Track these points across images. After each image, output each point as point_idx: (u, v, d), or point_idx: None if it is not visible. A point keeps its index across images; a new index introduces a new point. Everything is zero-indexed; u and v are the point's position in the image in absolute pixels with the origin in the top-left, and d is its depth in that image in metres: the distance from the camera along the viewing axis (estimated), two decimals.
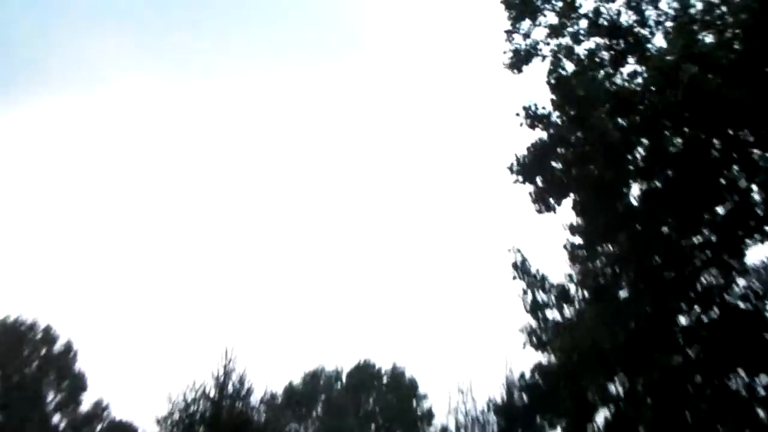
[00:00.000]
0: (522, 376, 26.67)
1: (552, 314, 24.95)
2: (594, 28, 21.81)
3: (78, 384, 55.58)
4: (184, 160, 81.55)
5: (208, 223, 74.13)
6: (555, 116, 23.21)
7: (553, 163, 23.34)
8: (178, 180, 77.13)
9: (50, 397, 55.74)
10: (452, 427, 34.75)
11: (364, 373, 53.39)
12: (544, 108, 23.21)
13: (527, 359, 28.32)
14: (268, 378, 56.42)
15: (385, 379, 53.38)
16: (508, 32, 22.85)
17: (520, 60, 22.75)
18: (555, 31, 22.41)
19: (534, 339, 24.82)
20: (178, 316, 63.83)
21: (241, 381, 52.21)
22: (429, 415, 50.87)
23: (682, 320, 22.22)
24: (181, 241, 72.69)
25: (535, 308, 25.03)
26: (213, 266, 70.07)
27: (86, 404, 55.89)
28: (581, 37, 22.24)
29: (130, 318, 64.52)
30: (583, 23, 22.16)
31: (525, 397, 26.80)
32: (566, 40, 22.52)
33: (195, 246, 73.53)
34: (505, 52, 22.96)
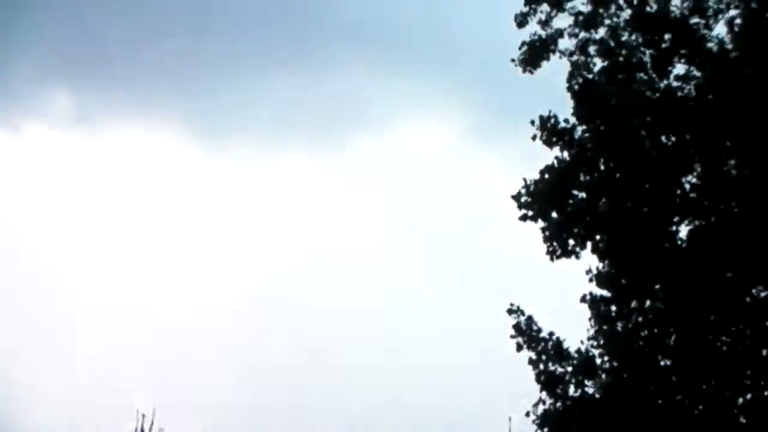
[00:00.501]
0: None
1: (572, 389, 21.82)
2: (637, 19, 19.30)
3: None
4: None
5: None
6: (579, 131, 20.79)
7: (576, 192, 20.85)
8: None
9: None
10: None
11: None
12: (566, 121, 20.68)
13: None
14: None
15: None
16: (522, 16, 20.38)
17: (535, 54, 20.24)
18: (586, 22, 19.89)
19: (549, 421, 21.64)
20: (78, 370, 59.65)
21: None
22: None
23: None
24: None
25: (549, 382, 21.88)
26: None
27: None
28: (619, 31, 19.72)
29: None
30: (625, 12, 19.75)
31: None
32: (598, 33, 20.10)
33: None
34: (519, 48, 20.38)
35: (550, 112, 20.65)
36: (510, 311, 22.21)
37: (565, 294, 22.62)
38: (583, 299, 20.85)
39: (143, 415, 33.99)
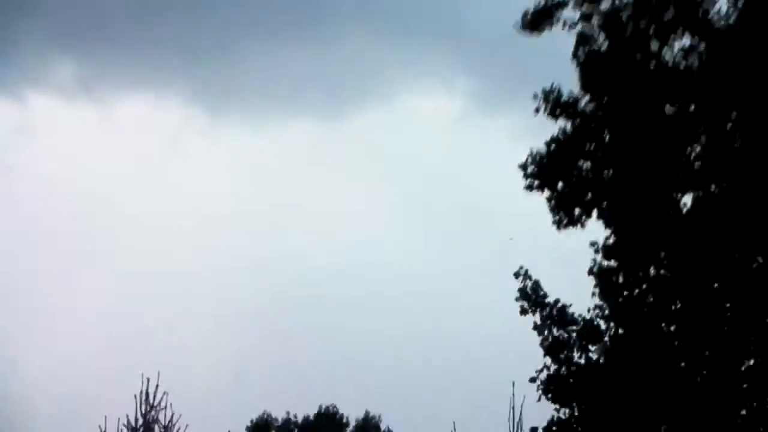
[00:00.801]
0: (536, 431, 24.14)
1: (576, 355, 22.52)
2: None
3: None
4: None
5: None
6: (584, 102, 21.31)
7: (581, 163, 21.50)
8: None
9: None
10: None
11: (327, 422, 50.76)
12: (570, 93, 21.20)
13: (541, 410, 25.72)
14: (203, 427, 52.55)
15: (354, 430, 50.84)
16: None
17: (538, 18, 20.77)
18: None
19: (552, 387, 22.37)
20: (82, 345, 60.30)
21: (168, 430, 48.84)
22: None
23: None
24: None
25: (554, 348, 22.58)
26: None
27: None
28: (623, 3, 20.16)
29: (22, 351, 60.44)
30: None
31: None
32: (602, 4, 20.43)
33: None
34: (523, 16, 20.90)
35: (553, 84, 21.26)
36: (517, 275, 22.77)
37: (570, 264, 23.32)
38: (590, 272, 21.45)
39: (148, 379, 34.50)
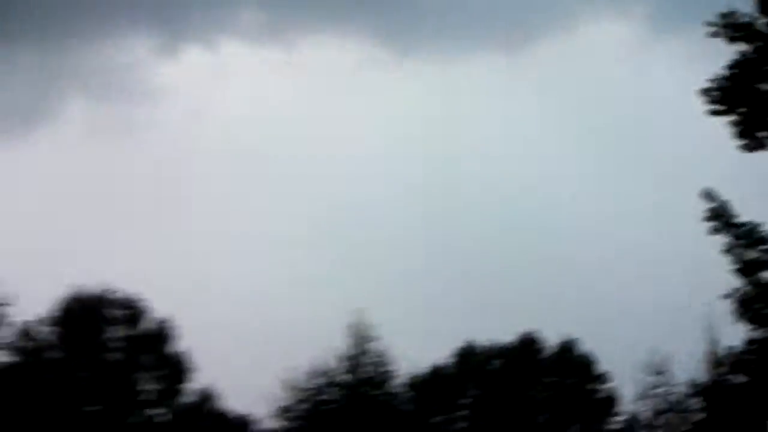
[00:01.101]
0: (732, 351, 24.70)
1: None
2: None
3: (178, 369, 54.41)
4: None
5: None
6: (762, 24, 21.29)
7: (764, 84, 21.53)
8: None
9: (144, 385, 54.75)
10: (644, 415, 32.01)
11: (528, 347, 52.16)
12: (747, 16, 21.28)
13: (735, 331, 26.05)
14: (411, 355, 54.46)
15: (553, 355, 51.98)
16: None
17: None
18: None
19: (747, 307, 22.80)
20: (294, 281, 63.01)
21: (379, 362, 51.37)
22: (611, 401, 48.96)
23: None
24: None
25: (747, 269, 22.93)
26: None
27: (189, 394, 55.48)
28: None
29: (234, 286, 63.79)
30: None
31: (739, 377, 24.91)
32: None
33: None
34: None
35: (729, 7, 21.25)
36: (705, 195, 23.05)
37: (756, 188, 23.47)
38: None
39: (357, 313, 36.02)
